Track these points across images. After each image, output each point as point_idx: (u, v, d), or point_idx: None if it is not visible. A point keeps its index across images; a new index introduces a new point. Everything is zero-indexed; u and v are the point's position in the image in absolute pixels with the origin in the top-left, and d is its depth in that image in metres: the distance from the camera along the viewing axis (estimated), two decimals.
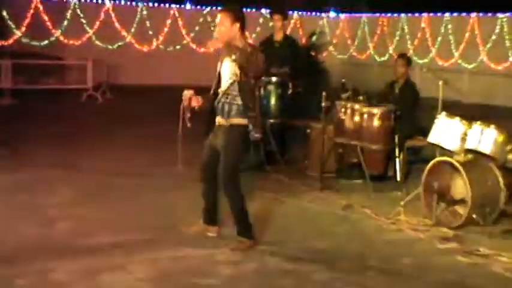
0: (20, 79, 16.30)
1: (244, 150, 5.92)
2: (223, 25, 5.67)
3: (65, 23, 18.96)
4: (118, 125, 12.43)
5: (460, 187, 6.60)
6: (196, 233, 6.03)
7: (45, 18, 18.57)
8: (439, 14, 19.97)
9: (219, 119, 5.77)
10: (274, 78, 8.91)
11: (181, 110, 5.79)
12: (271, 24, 9.52)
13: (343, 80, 8.80)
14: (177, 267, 5.32)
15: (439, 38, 19.80)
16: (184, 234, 6.03)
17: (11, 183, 7.68)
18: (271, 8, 10.39)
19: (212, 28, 20.29)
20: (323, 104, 8.13)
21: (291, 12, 21.60)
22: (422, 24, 20.34)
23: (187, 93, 5.79)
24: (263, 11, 20.60)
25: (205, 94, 5.91)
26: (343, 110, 8.44)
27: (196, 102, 5.77)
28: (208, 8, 20.73)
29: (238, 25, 5.64)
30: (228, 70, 5.71)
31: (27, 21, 18.19)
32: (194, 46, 20.77)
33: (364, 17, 22.59)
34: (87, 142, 10.54)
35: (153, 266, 5.30)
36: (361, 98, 8.48)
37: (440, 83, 7.48)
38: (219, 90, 5.77)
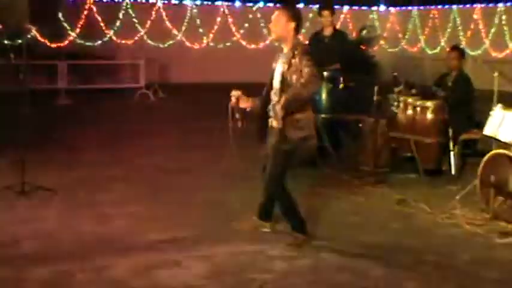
0: (75, 79, 16.62)
1: (293, 156, 5.78)
2: (278, 23, 5.65)
3: (118, 23, 19.19)
4: (170, 123, 12.55)
5: None
6: (251, 229, 6.03)
7: (99, 19, 18.84)
8: (491, 5, 19.56)
9: (271, 121, 5.70)
10: (325, 73, 8.84)
11: (230, 109, 5.71)
12: (320, 19, 9.43)
13: (395, 74, 8.71)
14: (232, 262, 5.34)
15: (493, 29, 19.39)
16: (238, 230, 6.05)
17: (69, 181, 7.81)
18: (319, 3, 10.31)
19: (262, 24, 20.34)
20: (375, 98, 8.06)
21: (339, 6, 21.48)
22: (475, 16, 19.96)
23: (234, 94, 5.74)
24: (312, 6, 20.48)
25: (256, 95, 5.88)
26: (395, 103, 8.38)
27: (245, 103, 5.72)
28: (258, 5, 20.73)
29: (293, 25, 5.62)
30: (280, 73, 5.65)
31: (81, 22, 18.49)
32: (244, 43, 20.82)
33: (415, 9, 22.29)
34: (140, 140, 10.66)
35: (208, 261, 5.32)
36: (413, 91, 8.39)
37: (495, 74, 7.32)
38: (273, 92, 5.72)
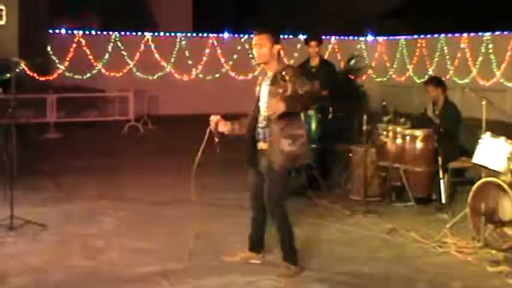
0: (64, 112, 16.60)
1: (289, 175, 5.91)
2: (264, 46, 5.67)
3: (106, 55, 19.30)
4: (160, 155, 12.55)
5: (508, 208, 6.47)
6: (241, 260, 6.02)
7: (87, 51, 18.94)
8: (479, 34, 19.76)
9: (261, 145, 5.75)
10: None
11: (207, 134, 5.80)
12: (308, 49, 9.50)
13: (384, 103, 8.78)
14: None
15: (480, 58, 19.58)
16: (228, 261, 6.03)
17: (58, 214, 7.78)
18: (306, 34, 10.41)
19: (251, 55, 20.48)
20: (364, 128, 8.10)
21: (327, 37, 21.66)
22: (462, 45, 20.16)
23: (214, 118, 5.82)
24: (300, 36, 20.65)
25: (240, 119, 5.91)
26: (384, 133, 8.44)
27: (224, 126, 5.78)
28: (246, 36, 20.88)
29: (278, 47, 5.68)
30: (266, 94, 5.70)
31: (70, 55, 18.57)
32: (233, 74, 20.93)
33: (403, 39, 22.49)
34: (130, 172, 10.66)
35: None
36: (402, 120, 8.44)
37: (484, 102, 7.39)
38: (260, 115, 5.76)
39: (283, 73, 5.58)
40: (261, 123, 5.73)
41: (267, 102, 5.66)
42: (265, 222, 5.94)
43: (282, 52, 5.80)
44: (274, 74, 5.67)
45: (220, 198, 8.47)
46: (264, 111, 5.71)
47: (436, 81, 8.92)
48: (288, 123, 5.57)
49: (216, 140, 5.76)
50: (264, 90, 5.76)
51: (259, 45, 5.70)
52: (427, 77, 20.58)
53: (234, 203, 7.17)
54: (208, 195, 8.20)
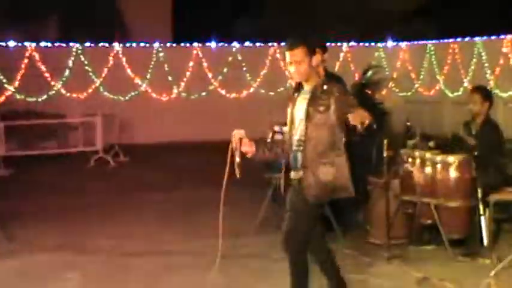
0: (15, 144, 16.60)
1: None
2: (303, 63, 5.73)
3: (67, 72, 19.33)
4: (134, 194, 12.54)
5: None
6: None
7: (42, 68, 18.98)
8: None
9: (293, 174, 5.80)
10: None
11: (229, 152, 5.71)
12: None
13: (408, 123, 8.79)
14: None
15: None
16: None
17: (6, 270, 7.76)
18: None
19: (245, 68, 20.58)
20: (385, 154, 8.11)
21: (338, 43, 21.77)
22: (505, 49, 20.21)
23: (237, 133, 5.75)
24: None
25: (264, 142, 5.93)
26: (410, 160, 8.43)
27: (249, 147, 5.75)
28: (238, 45, 20.97)
29: (319, 57, 5.79)
30: (304, 113, 5.75)
31: (20, 73, 18.58)
32: (223, 92, 20.98)
33: (431, 43, 22.58)
34: (97, 216, 10.64)
35: None
36: (431, 144, 8.45)
37: None
38: (294, 138, 5.81)
39: (325, 87, 5.69)
40: (294, 147, 5.79)
41: (304, 121, 5.71)
42: (307, 267, 5.92)
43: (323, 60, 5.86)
44: (314, 88, 5.74)
45: (237, 246, 8.48)
46: (299, 134, 5.75)
47: (486, 93, 8.93)
48: (328, 147, 5.69)
49: (238, 160, 5.68)
50: (300, 108, 5.80)
51: (295, 63, 5.76)
52: (461, 89, 20.81)
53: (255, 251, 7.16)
54: (195, 244, 8.20)
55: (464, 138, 8.63)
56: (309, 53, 5.73)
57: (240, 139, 5.71)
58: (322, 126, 5.64)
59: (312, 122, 5.65)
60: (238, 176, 5.62)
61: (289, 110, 5.90)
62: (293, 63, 5.76)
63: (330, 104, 5.63)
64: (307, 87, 5.80)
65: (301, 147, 5.72)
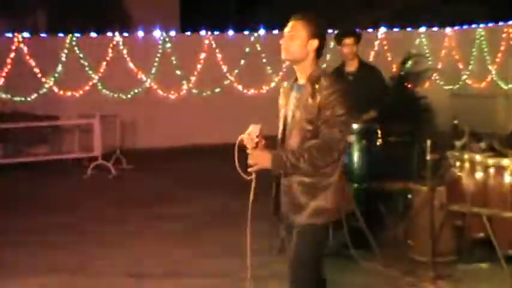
0: (1, 150, 16.66)
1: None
2: (297, 38, 5.55)
3: (59, 67, 19.39)
4: (139, 207, 12.55)
5: None
6: None
7: (32, 62, 19.04)
8: None
9: (282, 181, 5.57)
10: (355, 125, 8.90)
11: (236, 149, 5.37)
12: (345, 50, 9.50)
13: (455, 121, 8.76)
14: None
15: None
16: None
17: None
18: (339, 29, 10.41)
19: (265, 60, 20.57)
20: (428, 157, 8.09)
21: (371, 29, 21.74)
22: None
23: (254, 129, 5.40)
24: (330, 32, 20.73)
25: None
26: (458, 163, 8.40)
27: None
28: (256, 34, 20.94)
29: (316, 43, 5.57)
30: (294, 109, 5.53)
31: (6, 69, 18.67)
32: (240, 87, 21.00)
33: (481, 27, 22.48)
34: (96, 235, 10.65)
35: None
36: (482, 145, 8.42)
37: None
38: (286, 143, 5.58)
39: (317, 86, 5.41)
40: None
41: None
42: None
43: (321, 52, 5.66)
44: (309, 83, 5.49)
45: (261, 265, 8.49)
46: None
47: None
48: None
49: (253, 175, 5.37)
50: (291, 104, 5.63)
51: (289, 36, 5.60)
52: None
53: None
54: (210, 263, 8.20)
55: None
56: (309, 31, 5.53)
57: (257, 136, 5.35)
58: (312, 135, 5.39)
59: (298, 128, 5.46)
60: (251, 197, 5.38)
61: (280, 104, 5.74)
62: (287, 36, 5.61)
63: (319, 108, 5.33)
64: (301, 80, 5.59)
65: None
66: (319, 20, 5.64)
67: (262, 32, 21.05)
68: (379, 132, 9.10)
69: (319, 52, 5.58)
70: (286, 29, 5.63)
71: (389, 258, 8.63)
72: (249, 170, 5.32)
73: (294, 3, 23.82)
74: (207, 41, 20.92)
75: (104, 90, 19.86)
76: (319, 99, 5.33)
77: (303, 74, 5.59)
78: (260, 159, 5.30)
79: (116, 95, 19.95)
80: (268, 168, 5.29)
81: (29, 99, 19.00)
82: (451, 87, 22.85)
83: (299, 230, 5.52)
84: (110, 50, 19.96)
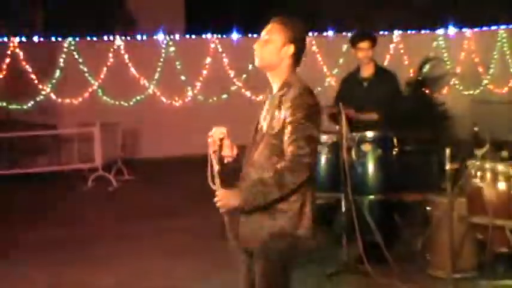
0: None
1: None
2: (271, 42, 5.35)
3: (57, 73, 19.39)
4: (141, 221, 12.55)
5: None
6: None
7: (28, 68, 19.05)
8: None
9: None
10: (370, 134, 8.89)
11: (209, 158, 5.36)
12: (359, 54, 9.49)
13: (476, 129, 8.75)
14: None
15: None
16: None
17: None
18: (354, 31, 10.40)
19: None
20: (447, 167, 8.07)
21: (387, 32, 21.72)
22: None
23: (217, 131, 5.45)
24: (345, 34, 20.70)
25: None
26: (479, 173, 8.38)
27: (230, 150, 5.45)
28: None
29: (292, 49, 5.33)
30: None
31: (1, 75, 18.67)
32: (248, 93, 21.00)
33: (503, 29, 22.44)
34: (98, 249, 10.65)
35: None
36: (505, 154, 8.40)
37: None
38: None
39: (284, 97, 5.23)
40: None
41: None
42: None
43: (298, 59, 5.43)
44: (278, 93, 5.33)
45: None
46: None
47: None
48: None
49: (217, 167, 5.30)
50: (262, 115, 5.53)
51: (264, 41, 5.38)
52: None
53: None
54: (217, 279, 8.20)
55: None
56: (286, 35, 5.31)
57: (221, 139, 5.39)
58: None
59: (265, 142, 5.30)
60: (215, 188, 5.19)
61: (259, 116, 5.60)
62: (262, 39, 5.40)
63: (281, 126, 5.17)
64: (275, 89, 5.41)
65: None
66: (297, 24, 5.40)
67: None
68: (395, 140, 9.09)
69: (296, 59, 5.36)
70: (263, 32, 5.43)
71: (407, 273, 8.59)
72: (220, 211, 5.15)
73: (302, 4, 23.97)
74: (212, 45, 20.95)
75: (104, 97, 19.87)
76: (284, 112, 5.16)
77: (275, 83, 5.41)
78: (228, 199, 5.07)
79: (117, 102, 19.96)
80: (239, 206, 5.03)
81: (25, 106, 19.01)
82: (471, 92, 22.83)
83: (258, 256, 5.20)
84: (110, 55, 19.99)
